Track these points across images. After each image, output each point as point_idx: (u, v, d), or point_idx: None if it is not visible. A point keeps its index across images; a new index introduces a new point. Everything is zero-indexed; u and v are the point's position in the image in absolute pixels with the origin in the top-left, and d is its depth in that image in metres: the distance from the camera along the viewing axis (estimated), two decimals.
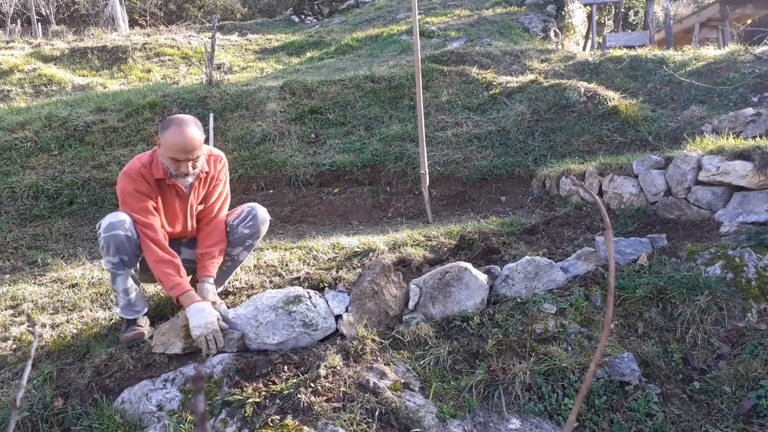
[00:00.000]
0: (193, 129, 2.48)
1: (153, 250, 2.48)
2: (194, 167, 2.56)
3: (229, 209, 2.91)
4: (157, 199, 2.60)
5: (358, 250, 3.44)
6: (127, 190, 2.54)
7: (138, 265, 2.62)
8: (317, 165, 5.74)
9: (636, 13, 16.57)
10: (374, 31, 11.44)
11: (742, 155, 3.26)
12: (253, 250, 3.30)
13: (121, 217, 2.50)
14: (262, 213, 2.84)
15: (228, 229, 2.79)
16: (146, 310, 2.69)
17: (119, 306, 2.65)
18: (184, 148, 2.45)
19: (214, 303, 2.57)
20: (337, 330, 2.55)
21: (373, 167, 5.73)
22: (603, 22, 15.49)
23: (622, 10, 15.25)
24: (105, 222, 2.49)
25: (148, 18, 18.01)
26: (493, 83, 7.02)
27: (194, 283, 2.72)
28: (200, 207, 2.78)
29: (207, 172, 2.72)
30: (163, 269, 2.47)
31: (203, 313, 2.40)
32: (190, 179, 2.59)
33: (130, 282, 2.58)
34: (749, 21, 11.54)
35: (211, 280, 2.67)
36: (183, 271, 2.53)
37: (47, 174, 5.61)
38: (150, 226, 2.52)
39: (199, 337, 2.37)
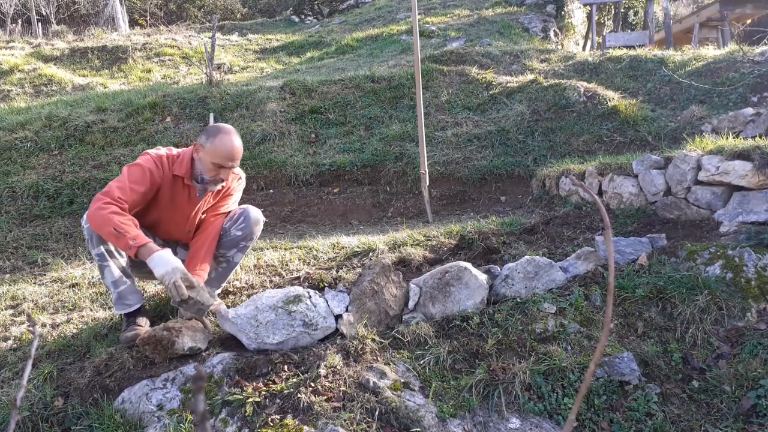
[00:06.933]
0: (239, 139, 2.60)
1: (110, 208, 2.34)
2: (229, 175, 2.68)
3: None
4: (158, 191, 2.60)
5: (358, 249, 3.44)
6: (142, 163, 2.53)
7: (128, 258, 2.60)
8: (317, 165, 5.75)
9: (636, 13, 16.55)
10: (374, 31, 11.44)
11: (742, 155, 3.26)
12: (251, 251, 3.30)
13: None
14: (255, 214, 2.83)
15: (221, 232, 2.80)
16: (140, 305, 2.66)
17: (112, 301, 2.66)
18: (234, 156, 2.56)
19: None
20: (337, 329, 2.55)
21: (373, 167, 5.73)
22: (603, 22, 15.48)
23: (622, 10, 15.24)
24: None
25: (148, 18, 18.00)
26: (493, 83, 7.02)
27: None
28: (203, 216, 2.82)
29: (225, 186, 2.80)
30: (120, 220, 2.31)
31: (165, 260, 2.30)
32: (219, 186, 2.68)
33: (118, 273, 2.57)
34: (749, 21, 11.54)
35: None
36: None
37: (47, 174, 5.61)
38: (121, 201, 2.39)
39: (168, 284, 2.27)
